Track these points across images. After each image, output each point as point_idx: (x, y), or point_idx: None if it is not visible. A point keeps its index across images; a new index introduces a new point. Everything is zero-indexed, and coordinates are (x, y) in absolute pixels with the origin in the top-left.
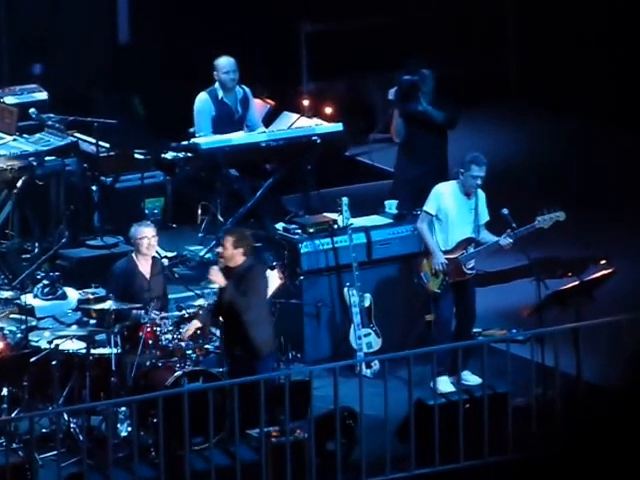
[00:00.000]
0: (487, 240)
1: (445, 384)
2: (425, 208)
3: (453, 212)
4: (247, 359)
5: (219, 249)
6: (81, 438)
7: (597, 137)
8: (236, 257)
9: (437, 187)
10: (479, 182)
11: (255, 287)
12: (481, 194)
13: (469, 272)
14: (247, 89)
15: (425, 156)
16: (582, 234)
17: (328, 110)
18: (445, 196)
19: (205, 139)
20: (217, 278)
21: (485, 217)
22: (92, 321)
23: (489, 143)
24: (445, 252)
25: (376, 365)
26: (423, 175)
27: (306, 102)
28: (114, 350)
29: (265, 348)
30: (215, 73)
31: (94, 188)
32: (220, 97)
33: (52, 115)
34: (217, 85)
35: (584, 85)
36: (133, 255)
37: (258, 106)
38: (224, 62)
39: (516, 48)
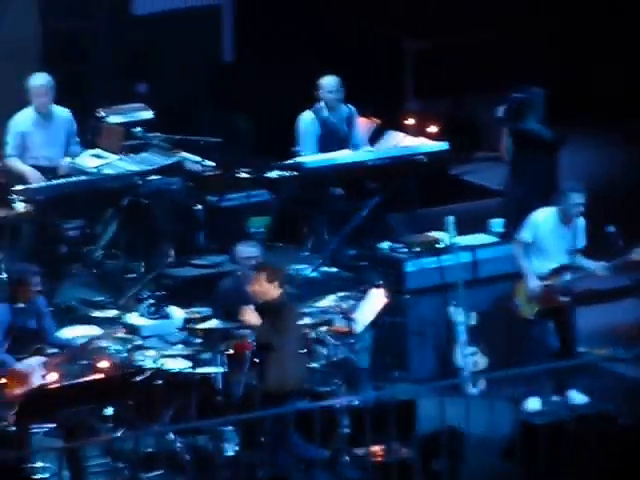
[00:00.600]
0: (583, 266)
1: (534, 403)
2: (521, 235)
3: (549, 240)
4: (277, 397)
5: (253, 285)
6: (187, 458)
7: None
8: (271, 291)
9: (534, 215)
10: (580, 209)
11: (289, 325)
12: (581, 220)
13: (564, 299)
14: (352, 107)
15: (534, 175)
16: None
17: (433, 129)
18: (542, 224)
19: (310, 158)
20: (250, 318)
21: (582, 243)
22: (198, 340)
23: (590, 161)
24: (540, 278)
25: (482, 384)
26: (531, 194)
27: (411, 121)
28: (220, 369)
29: (293, 386)
30: (320, 92)
31: (199, 207)
32: (325, 116)
33: (157, 134)
34: (322, 104)
35: None
36: (238, 274)
37: (363, 124)
38: (328, 81)
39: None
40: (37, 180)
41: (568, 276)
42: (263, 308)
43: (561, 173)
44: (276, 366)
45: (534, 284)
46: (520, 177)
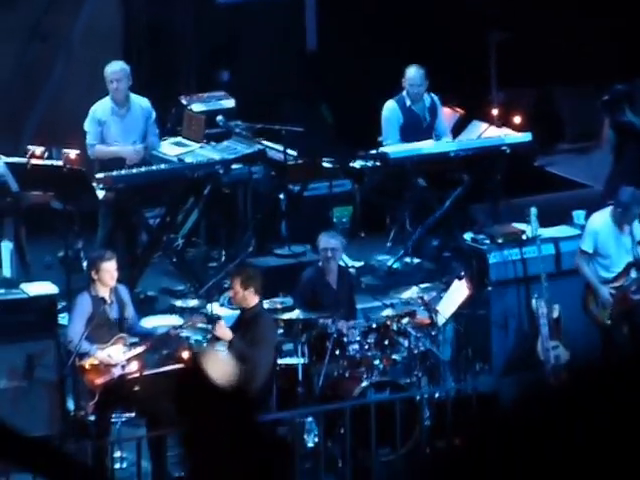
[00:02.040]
0: None
1: None
2: (582, 247)
3: (611, 243)
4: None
5: (230, 292)
6: None
7: None
8: (248, 298)
9: (590, 222)
10: (629, 213)
11: (263, 337)
12: None
13: (636, 297)
14: (435, 97)
15: (633, 167)
16: None
17: (517, 119)
18: (599, 229)
19: (394, 148)
20: (223, 333)
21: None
22: (279, 330)
23: None
24: (608, 282)
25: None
26: (631, 186)
27: (495, 111)
28: (301, 360)
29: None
30: (403, 81)
31: (281, 196)
32: (408, 105)
33: (239, 122)
34: (405, 93)
35: None
36: (320, 264)
37: (447, 115)
38: (412, 73)
39: None
40: (132, 156)
41: (634, 273)
42: (238, 319)
43: None
44: (250, 379)
45: (604, 292)
46: (619, 168)
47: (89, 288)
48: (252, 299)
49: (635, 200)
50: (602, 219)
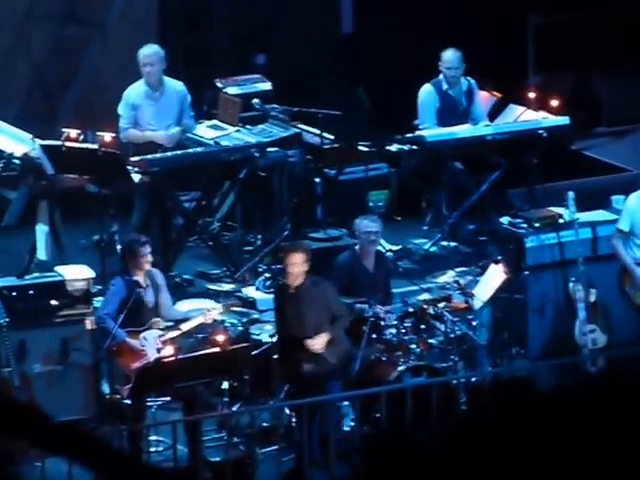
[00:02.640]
0: None
1: None
2: (618, 226)
3: None
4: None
5: (286, 266)
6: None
7: None
8: (304, 274)
9: (628, 201)
10: None
11: (335, 296)
12: None
13: None
14: (472, 81)
15: None
16: None
17: (554, 103)
18: (636, 208)
19: (430, 132)
20: (318, 344)
21: None
22: None
23: None
24: None
25: (601, 362)
26: None
27: (532, 95)
28: None
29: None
30: (440, 64)
31: (317, 180)
32: (445, 89)
33: (275, 106)
34: (442, 77)
35: None
36: (357, 248)
37: (484, 99)
38: (449, 56)
39: None
40: (165, 141)
41: None
42: (285, 293)
43: None
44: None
45: (638, 273)
46: None
47: (123, 272)
48: (303, 277)
49: None
50: (638, 198)
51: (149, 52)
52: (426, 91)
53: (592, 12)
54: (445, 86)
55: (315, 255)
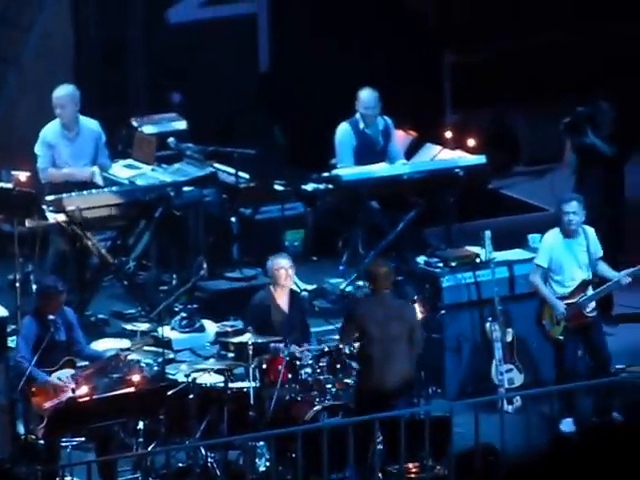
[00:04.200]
0: (606, 275)
1: (568, 425)
2: (537, 261)
3: (564, 258)
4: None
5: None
6: (218, 473)
7: None
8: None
9: (545, 238)
10: (571, 218)
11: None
12: (589, 229)
13: (591, 315)
14: (389, 120)
15: (596, 189)
16: None
17: (471, 142)
18: (553, 245)
19: (346, 170)
20: None
21: (598, 252)
22: (230, 354)
23: None
24: (563, 298)
25: (518, 401)
26: (594, 208)
27: (449, 134)
28: (252, 384)
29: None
30: (357, 104)
31: (233, 219)
32: (361, 128)
33: (191, 145)
34: (359, 116)
35: None
36: (271, 287)
37: (400, 137)
38: (365, 96)
39: None
40: (85, 178)
41: (590, 291)
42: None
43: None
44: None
45: (559, 307)
46: (582, 191)
47: (36, 312)
48: None
49: (566, 201)
50: (555, 234)
51: (61, 94)
52: (343, 130)
53: (508, 50)
54: (362, 125)
55: (230, 295)
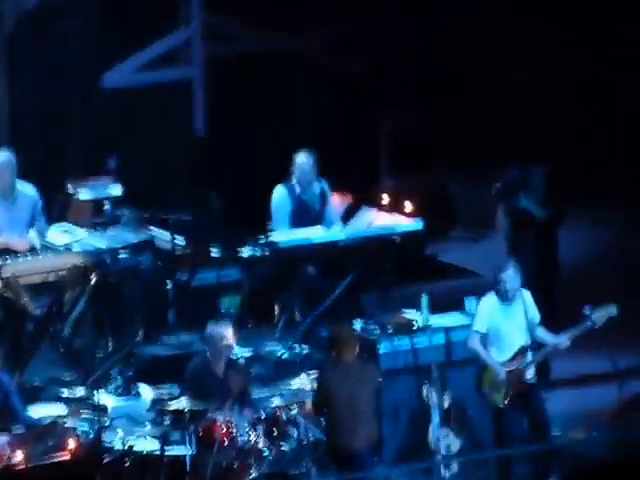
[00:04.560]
0: (544, 339)
1: None
2: (475, 327)
3: (503, 324)
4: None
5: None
6: None
7: None
8: None
9: (482, 303)
10: (507, 287)
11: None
12: (526, 294)
13: (530, 380)
14: (326, 184)
15: (530, 253)
16: None
17: (408, 206)
18: (490, 311)
19: (283, 236)
20: None
21: (536, 317)
22: (167, 421)
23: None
24: (503, 364)
25: (455, 467)
26: (528, 272)
27: (385, 198)
28: (189, 450)
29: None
30: (293, 168)
31: (169, 285)
32: (298, 192)
33: (127, 210)
34: (295, 180)
35: None
36: (208, 354)
37: (337, 201)
38: (301, 160)
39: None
40: (19, 246)
41: (530, 356)
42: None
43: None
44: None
45: (501, 373)
46: (515, 255)
47: None
48: None
49: (502, 269)
50: (491, 300)
51: None
52: (279, 194)
53: (442, 115)
54: (298, 189)
55: (167, 361)
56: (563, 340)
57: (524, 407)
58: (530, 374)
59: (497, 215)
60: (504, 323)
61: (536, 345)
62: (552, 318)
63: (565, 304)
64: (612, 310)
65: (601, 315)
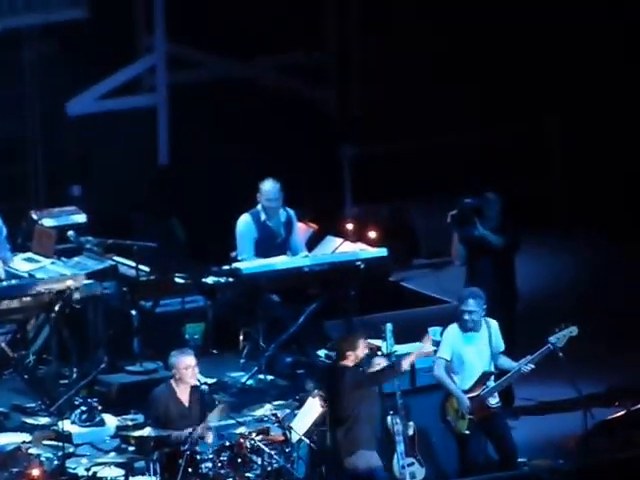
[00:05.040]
0: (506, 367)
1: None
2: (440, 355)
3: (466, 352)
4: None
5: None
6: None
7: None
8: None
9: (446, 331)
10: (468, 317)
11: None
12: (493, 323)
13: (494, 407)
14: (291, 212)
15: (487, 281)
16: (632, 363)
17: (372, 234)
18: (455, 339)
19: (247, 264)
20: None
21: (500, 346)
22: (131, 448)
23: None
24: (465, 392)
25: None
26: (487, 300)
27: (349, 226)
28: (153, 478)
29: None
30: (258, 195)
31: (133, 312)
32: (263, 220)
33: (90, 238)
34: (260, 207)
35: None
36: (172, 382)
37: (301, 230)
38: (267, 187)
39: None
40: None
41: (492, 382)
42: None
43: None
44: None
45: (464, 401)
46: (473, 283)
47: None
48: None
49: (466, 298)
50: (455, 329)
51: None
52: (244, 222)
53: (406, 143)
54: (263, 217)
55: (131, 388)
56: (525, 364)
57: (489, 433)
58: (494, 400)
59: (453, 243)
60: (467, 351)
61: (498, 372)
62: (513, 345)
63: (523, 331)
64: (572, 330)
65: (561, 336)
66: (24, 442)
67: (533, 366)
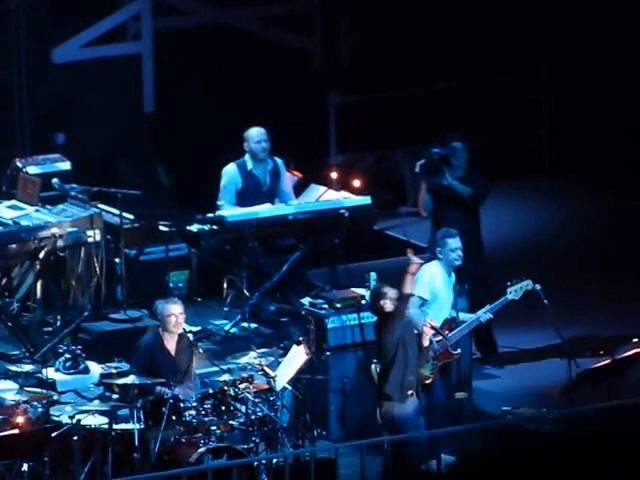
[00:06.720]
0: (466, 317)
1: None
2: (419, 293)
3: (442, 292)
4: None
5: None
6: None
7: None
8: None
9: (426, 270)
10: (460, 253)
11: None
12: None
13: (456, 352)
14: (279, 160)
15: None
16: (616, 312)
17: (356, 183)
18: (436, 278)
19: (231, 211)
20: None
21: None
22: (115, 396)
23: (523, 217)
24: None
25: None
26: None
27: (334, 174)
28: (137, 425)
29: None
30: (245, 144)
31: (117, 260)
32: (249, 169)
33: (75, 185)
34: (247, 157)
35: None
36: (160, 330)
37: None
38: (255, 132)
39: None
40: None
41: (457, 329)
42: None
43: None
44: None
45: (433, 343)
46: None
47: None
48: None
49: (449, 236)
50: (435, 266)
51: None
52: (229, 171)
53: (392, 91)
54: (250, 166)
55: (115, 336)
56: (484, 313)
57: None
58: (455, 351)
59: (420, 193)
60: (443, 293)
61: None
62: (490, 294)
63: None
64: (528, 283)
65: (517, 289)
66: (8, 390)
67: (492, 316)
